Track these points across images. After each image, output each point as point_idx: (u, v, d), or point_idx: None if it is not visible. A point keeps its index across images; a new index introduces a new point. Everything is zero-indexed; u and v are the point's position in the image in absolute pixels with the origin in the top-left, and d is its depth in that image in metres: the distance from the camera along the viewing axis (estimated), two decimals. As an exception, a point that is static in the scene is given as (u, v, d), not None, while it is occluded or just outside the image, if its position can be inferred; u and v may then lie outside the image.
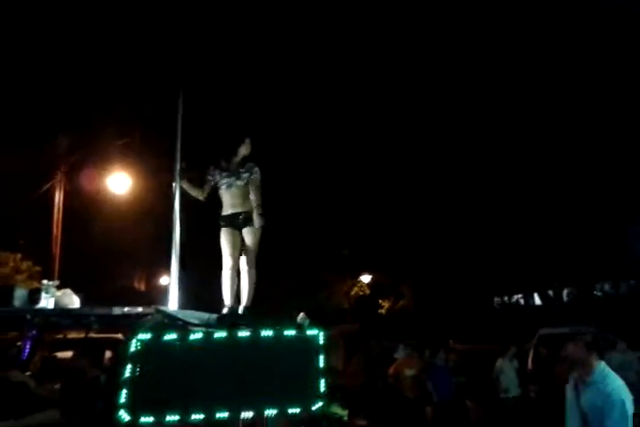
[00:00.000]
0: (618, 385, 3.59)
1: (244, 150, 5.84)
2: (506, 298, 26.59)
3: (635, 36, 15.32)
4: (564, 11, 15.78)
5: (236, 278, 5.55)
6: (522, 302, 26.48)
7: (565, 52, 17.58)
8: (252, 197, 5.70)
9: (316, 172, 21.09)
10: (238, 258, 5.59)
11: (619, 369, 8.74)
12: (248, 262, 5.60)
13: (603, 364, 3.76)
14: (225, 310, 5.38)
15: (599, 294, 22.73)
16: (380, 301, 26.06)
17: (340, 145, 21.03)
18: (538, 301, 25.14)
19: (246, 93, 18.60)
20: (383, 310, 25.85)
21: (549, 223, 19.33)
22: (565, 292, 23.31)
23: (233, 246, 5.57)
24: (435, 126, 20.08)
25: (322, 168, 21.07)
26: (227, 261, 5.58)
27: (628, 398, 3.54)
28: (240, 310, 5.43)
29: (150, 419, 4.13)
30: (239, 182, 5.68)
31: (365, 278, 25.22)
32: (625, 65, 16.87)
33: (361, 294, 25.73)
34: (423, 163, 20.66)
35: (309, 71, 19.73)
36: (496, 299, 26.55)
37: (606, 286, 22.69)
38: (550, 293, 23.08)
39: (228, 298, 5.49)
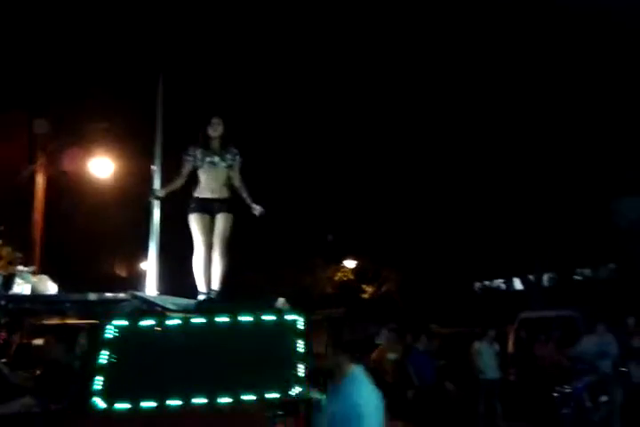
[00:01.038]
0: (366, 392, 3.13)
1: (211, 131, 5.63)
2: (487, 283, 26.88)
3: (632, 36, 15.29)
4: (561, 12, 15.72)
5: (208, 265, 5.44)
6: (503, 286, 26.79)
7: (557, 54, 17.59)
8: (238, 183, 5.63)
9: (300, 157, 20.98)
10: (211, 244, 5.48)
11: (597, 358, 8.99)
12: (220, 250, 5.48)
13: (357, 368, 3.24)
14: (201, 296, 5.32)
15: (579, 278, 23.05)
16: (364, 286, 26.18)
17: (323, 130, 20.91)
18: (519, 285, 25.43)
19: (226, 76, 18.37)
20: (367, 295, 25.98)
21: (530, 210, 19.48)
22: (546, 277, 23.59)
23: (205, 233, 5.47)
24: (414, 113, 20.02)
25: (305, 153, 20.96)
26: (199, 248, 5.48)
27: (370, 405, 3.08)
28: (212, 295, 5.35)
29: (125, 405, 4.10)
30: (223, 164, 5.57)
31: (350, 264, 25.28)
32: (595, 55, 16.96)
33: (345, 279, 25.81)
34: (405, 148, 20.62)
35: (289, 56, 19.51)
36: (477, 284, 26.82)
37: (586, 271, 23.02)
38: (531, 277, 23.33)
39: (201, 284, 5.41)
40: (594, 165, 18.27)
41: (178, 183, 5.72)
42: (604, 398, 8.81)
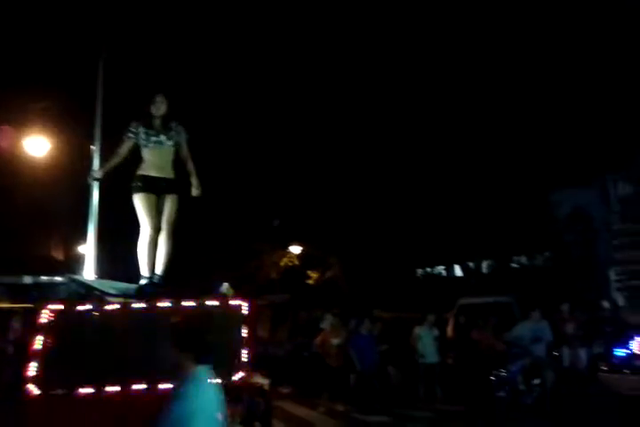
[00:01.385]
0: (204, 396, 2.90)
1: (154, 110, 5.42)
2: (429, 269, 27.49)
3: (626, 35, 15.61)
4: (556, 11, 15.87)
5: (154, 248, 5.26)
6: (444, 273, 27.46)
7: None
8: (188, 161, 5.47)
9: (248, 141, 20.75)
10: (158, 226, 5.30)
11: (531, 343, 9.32)
12: (166, 232, 5.32)
13: (201, 369, 2.95)
14: (143, 281, 5.15)
15: (516, 265, 23.86)
16: (309, 271, 26.27)
17: (271, 113, 20.75)
18: (459, 272, 26.13)
19: (170, 56, 17.92)
20: (312, 281, 26.10)
21: (471, 200, 20.01)
22: (485, 264, 24.32)
23: (151, 214, 5.26)
24: (358, 101, 20.12)
25: (253, 137, 20.76)
26: (145, 230, 5.27)
27: (204, 409, 2.85)
28: (156, 280, 5.19)
29: (61, 392, 3.96)
30: (169, 143, 5.39)
31: (295, 249, 25.29)
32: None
33: (290, 264, 25.81)
34: (350, 136, 20.74)
35: (233, 31, 19.16)
36: (420, 270, 27.40)
37: (523, 259, 23.86)
38: (471, 265, 24.00)
39: (145, 268, 5.21)
40: (532, 157, 18.87)
41: (116, 162, 5.48)
42: (536, 381, 9.15)
